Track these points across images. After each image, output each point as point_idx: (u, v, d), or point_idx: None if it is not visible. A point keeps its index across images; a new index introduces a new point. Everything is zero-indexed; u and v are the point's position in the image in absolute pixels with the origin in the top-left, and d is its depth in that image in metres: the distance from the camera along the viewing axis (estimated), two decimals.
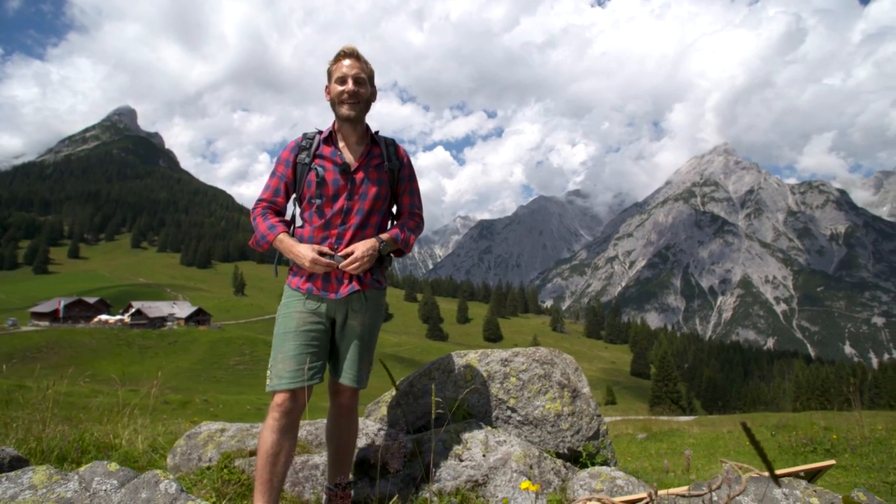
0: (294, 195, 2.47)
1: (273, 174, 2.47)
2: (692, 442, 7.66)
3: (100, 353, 63.90)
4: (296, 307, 2.33)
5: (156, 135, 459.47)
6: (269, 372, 2.30)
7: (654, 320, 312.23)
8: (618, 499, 1.97)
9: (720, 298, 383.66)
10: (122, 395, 4.38)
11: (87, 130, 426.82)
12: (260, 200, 2.47)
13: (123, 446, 3.66)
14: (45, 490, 1.64)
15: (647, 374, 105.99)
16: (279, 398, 2.23)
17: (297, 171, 2.42)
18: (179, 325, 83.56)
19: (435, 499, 2.43)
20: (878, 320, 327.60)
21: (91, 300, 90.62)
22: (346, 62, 2.36)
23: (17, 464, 2.14)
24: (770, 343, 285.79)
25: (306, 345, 2.28)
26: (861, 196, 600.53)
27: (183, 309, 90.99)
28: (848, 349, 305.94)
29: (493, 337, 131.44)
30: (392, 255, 2.50)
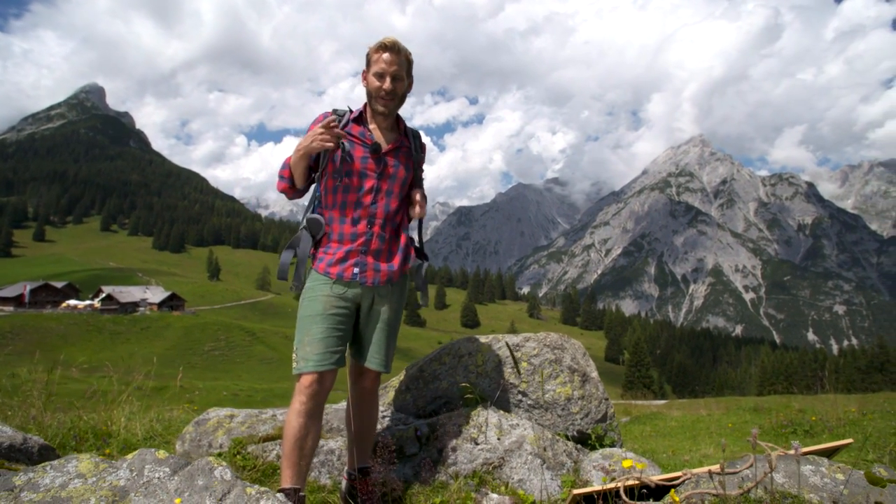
0: (318, 171, 2.41)
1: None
2: (674, 424, 7.91)
3: (69, 338, 62.21)
4: (322, 291, 2.31)
5: (126, 114, 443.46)
6: (294, 355, 2.29)
7: (628, 307, 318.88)
8: (655, 477, 2.02)
9: (692, 286, 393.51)
10: (115, 381, 4.28)
11: (52, 108, 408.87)
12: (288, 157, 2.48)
13: (122, 433, 3.59)
14: (95, 479, 1.58)
15: (620, 359, 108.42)
16: (306, 381, 2.22)
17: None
18: (152, 311, 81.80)
19: (452, 482, 2.46)
20: (840, 308, 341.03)
21: (58, 285, 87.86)
22: (386, 56, 2.34)
23: (45, 452, 2.08)
24: (738, 330, 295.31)
25: (333, 328, 2.28)
26: (828, 189, 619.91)
27: (156, 294, 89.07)
28: (811, 336, 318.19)
29: (470, 323, 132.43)
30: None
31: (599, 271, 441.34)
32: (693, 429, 7.17)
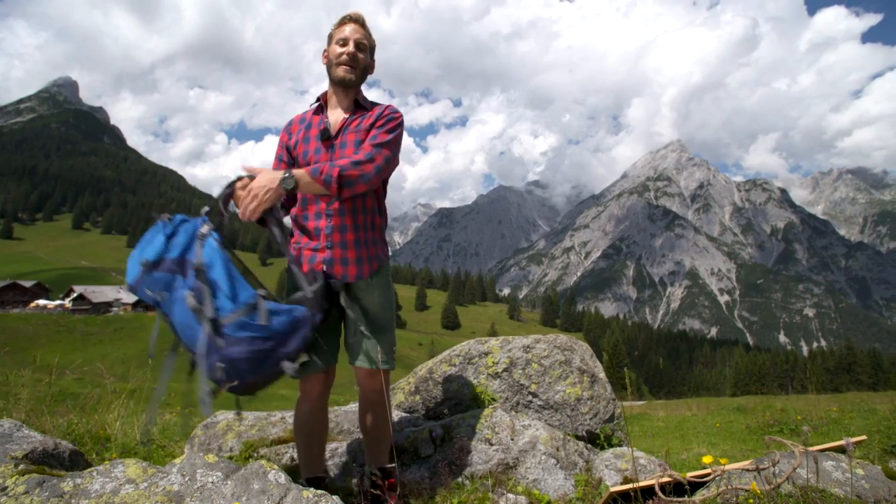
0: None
1: (276, 157, 2.41)
2: (661, 425, 8.05)
3: (37, 339, 60.14)
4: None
5: (100, 109, 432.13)
6: None
7: (607, 309, 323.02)
8: (688, 474, 2.07)
9: (669, 289, 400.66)
10: (110, 385, 4.18)
11: (21, 101, 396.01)
12: None
13: (118, 437, 3.51)
14: (146, 484, 1.54)
15: (599, 361, 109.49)
16: (312, 381, 2.24)
17: (290, 151, 2.34)
18: (126, 311, 79.70)
19: (467, 482, 2.47)
20: (810, 311, 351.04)
21: (27, 284, 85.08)
22: (351, 26, 2.27)
23: (75, 457, 2.01)
24: (713, 332, 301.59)
25: (325, 324, 2.17)
26: (799, 195, 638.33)
27: (130, 294, 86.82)
28: (782, 338, 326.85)
29: (451, 325, 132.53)
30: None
31: (579, 273, 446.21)
32: (680, 429, 7.31)
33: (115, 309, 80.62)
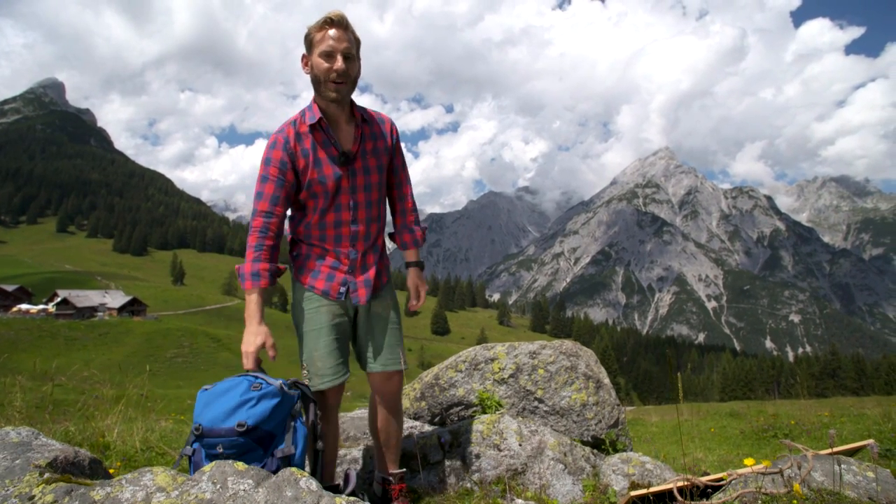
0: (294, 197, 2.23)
1: (266, 179, 2.10)
2: (655, 430, 8.11)
3: (19, 344, 59.20)
4: (321, 301, 2.20)
5: (87, 111, 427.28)
6: (305, 371, 2.21)
7: (596, 315, 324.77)
8: (705, 478, 2.10)
9: (658, 295, 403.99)
10: (107, 392, 4.12)
11: (5, 103, 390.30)
12: (257, 213, 2.10)
13: (117, 445, 3.47)
14: (177, 492, 1.53)
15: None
16: (332, 392, 2.24)
17: (296, 171, 2.14)
18: (112, 316, 78.63)
19: (476, 488, 2.47)
20: (795, 317, 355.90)
21: (9, 288, 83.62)
22: (334, 33, 2.03)
23: (95, 465, 1.98)
24: (701, 338, 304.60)
25: (338, 338, 2.22)
26: (785, 202, 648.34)
27: (115, 298, 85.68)
28: (769, 343, 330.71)
29: (440, 330, 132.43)
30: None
31: (569, 279, 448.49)
32: (675, 434, 7.36)
33: (99, 314, 79.49)
